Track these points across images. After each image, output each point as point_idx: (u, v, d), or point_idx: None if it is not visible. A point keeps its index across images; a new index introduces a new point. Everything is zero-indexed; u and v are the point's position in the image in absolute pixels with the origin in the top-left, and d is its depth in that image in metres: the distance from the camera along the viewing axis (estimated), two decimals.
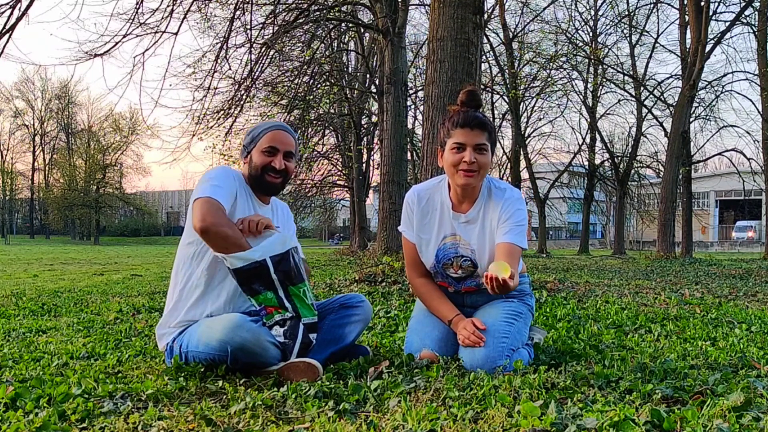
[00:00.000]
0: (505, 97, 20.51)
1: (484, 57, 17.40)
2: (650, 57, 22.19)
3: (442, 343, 2.31)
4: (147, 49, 7.93)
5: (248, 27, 9.05)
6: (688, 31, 15.58)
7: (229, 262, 2.13)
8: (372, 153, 19.58)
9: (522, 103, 21.66)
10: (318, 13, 10.32)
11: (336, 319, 2.38)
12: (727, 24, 16.19)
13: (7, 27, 6.80)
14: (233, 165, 13.57)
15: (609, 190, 27.92)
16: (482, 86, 15.50)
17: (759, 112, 17.30)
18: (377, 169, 17.40)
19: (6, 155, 51.27)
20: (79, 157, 50.36)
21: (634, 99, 22.34)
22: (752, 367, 2.27)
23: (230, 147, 13.24)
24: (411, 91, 18.00)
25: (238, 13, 8.78)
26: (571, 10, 19.98)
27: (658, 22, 32.19)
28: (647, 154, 24.55)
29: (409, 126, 19.51)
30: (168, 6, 7.83)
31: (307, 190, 19.17)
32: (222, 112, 10.38)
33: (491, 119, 2.85)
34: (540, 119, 24.87)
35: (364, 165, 18.93)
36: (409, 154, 19.56)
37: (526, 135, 23.52)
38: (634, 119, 23.75)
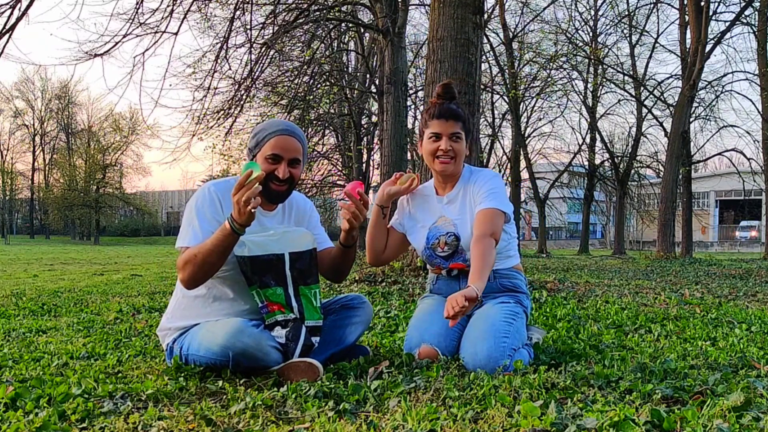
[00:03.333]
0: (505, 97, 20.50)
1: (484, 57, 17.39)
2: (650, 57, 22.24)
3: (441, 338, 2.31)
4: (147, 49, 7.93)
5: (248, 27, 9.04)
6: (688, 31, 15.59)
7: (248, 248, 2.13)
8: (372, 153, 19.57)
9: (522, 103, 21.65)
10: (318, 13, 10.31)
11: (337, 320, 2.37)
12: (727, 24, 16.22)
13: (7, 27, 6.80)
14: (233, 165, 13.59)
15: (609, 190, 27.92)
16: (482, 86, 15.48)
17: (759, 112, 17.31)
18: (377, 169, 17.40)
19: (6, 155, 51.27)
20: (79, 157, 50.31)
21: (634, 99, 22.34)
22: (752, 367, 2.27)
23: (230, 147, 13.26)
24: (411, 91, 17.98)
25: (238, 13, 8.78)
26: (571, 10, 20.00)
27: (658, 22, 32.19)
28: (647, 154, 24.58)
29: (409, 126, 19.48)
30: (168, 6, 7.84)
31: (307, 190, 19.15)
32: (222, 112, 10.37)
33: (467, 111, 2.85)
34: (540, 119, 24.90)
35: (364, 165, 18.91)
36: (409, 154, 19.56)
37: (526, 135, 23.52)
38: (634, 119, 23.79)
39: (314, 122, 15.27)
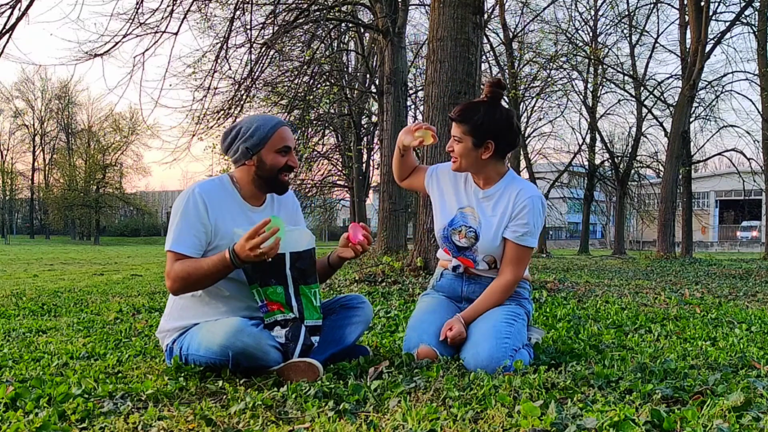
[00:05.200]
0: (505, 97, 20.48)
1: (484, 57, 17.38)
2: (650, 57, 22.19)
3: (439, 338, 2.32)
4: (147, 49, 7.93)
5: (248, 27, 9.05)
6: (688, 31, 15.58)
7: None
8: (372, 153, 19.57)
9: (522, 103, 21.63)
10: (318, 13, 10.32)
11: (336, 320, 2.37)
12: (727, 24, 16.21)
13: (7, 27, 6.80)
14: (233, 165, 13.58)
15: (609, 190, 27.89)
16: (482, 86, 15.45)
17: (759, 112, 17.30)
18: (377, 169, 17.40)
19: (6, 155, 51.23)
20: (79, 157, 50.28)
21: (634, 99, 22.32)
22: (752, 367, 2.27)
23: None
24: (411, 91, 17.98)
25: (238, 13, 8.78)
26: (571, 10, 20.00)
27: (658, 22, 32.26)
28: (647, 154, 24.54)
29: None
30: (168, 6, 7.83)
31: (307, 190, 19.14)
32: (222, 112, 10.37)
33: (482, 112, 2.84)
34: (540, 119, 24.82)
35: (364, 165, 18.91)
36: None
37: (526, 135, 23.50)
38: (634, 119, 23.74)
39: (314, 122, 15.26)
